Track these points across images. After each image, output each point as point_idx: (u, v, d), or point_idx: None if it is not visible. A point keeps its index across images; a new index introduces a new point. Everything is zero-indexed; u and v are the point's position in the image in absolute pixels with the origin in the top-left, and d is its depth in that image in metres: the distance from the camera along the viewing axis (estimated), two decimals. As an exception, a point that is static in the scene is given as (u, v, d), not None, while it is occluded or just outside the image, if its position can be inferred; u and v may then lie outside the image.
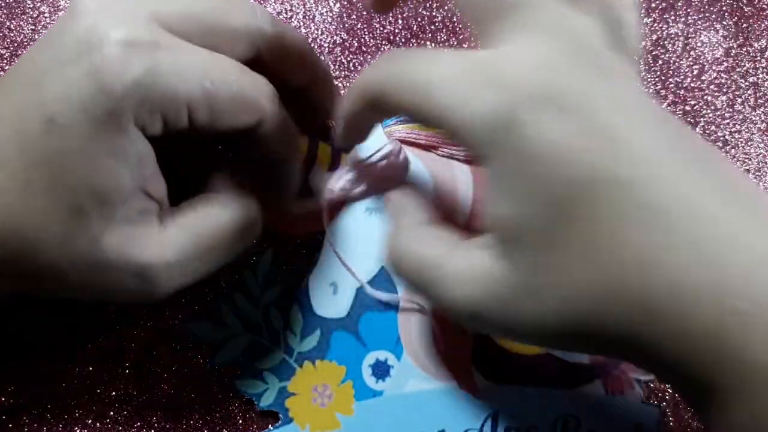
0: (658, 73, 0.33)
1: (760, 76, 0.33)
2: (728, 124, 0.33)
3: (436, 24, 0.33)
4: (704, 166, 0.19)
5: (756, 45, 0.34)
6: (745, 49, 0.34)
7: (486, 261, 0.20)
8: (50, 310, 0.28)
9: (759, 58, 0.34)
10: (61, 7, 0.32)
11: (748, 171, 0.32)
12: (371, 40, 0.32)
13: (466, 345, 0.28)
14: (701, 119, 0.33)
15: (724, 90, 0.33)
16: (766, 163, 0.32)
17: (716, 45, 0.34)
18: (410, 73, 0.20)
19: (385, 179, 0.27)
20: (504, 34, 0.19)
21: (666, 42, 0.34)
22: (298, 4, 0.32)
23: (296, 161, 0.25)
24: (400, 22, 0.32)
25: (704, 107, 0.33)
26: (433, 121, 0.20)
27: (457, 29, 0.33)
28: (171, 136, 0.21)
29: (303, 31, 0.32)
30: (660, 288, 0.17)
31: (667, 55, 0.33)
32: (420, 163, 0.29)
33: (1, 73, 0.31)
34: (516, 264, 0.19)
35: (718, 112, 0.33)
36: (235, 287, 0.28)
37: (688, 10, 0.34)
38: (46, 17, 0.32)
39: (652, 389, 0.29)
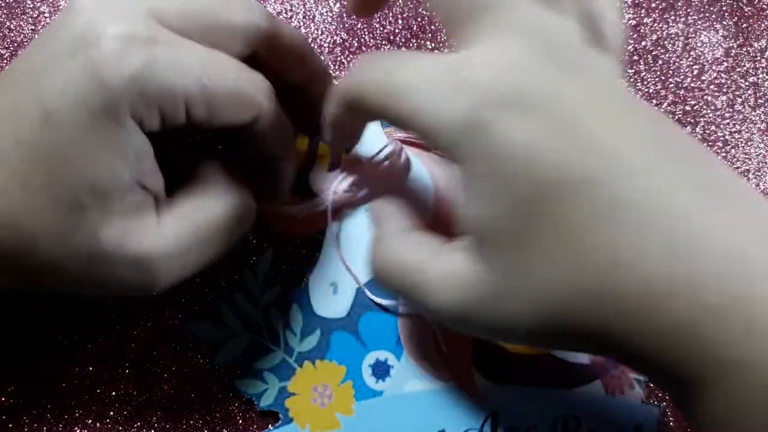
0: (658, 73, 0.33)
1: (760, 76, 0.33)
2: (728, 124, 0.33)
3: (436, 24, 0.33)
4: (680, 159, 0.19)
5: (756, 45, 0.34)
6: (745, 49, 0.34)
7: (464, 264, 0.20)
8: (50, 310, 0.28)
9: (759, 58, 0.34)
10: (60, 6, 0.32)
11: (748, 171, 0.32)
12: (371, 40, 0.32)
13: (466, 345, 0.28)
14: (701, 119, 0.33)
15: (724, 90, 0.33)
16: (766, 163, 0.32)
17: (716, 45, 0.34)
18: (385, 77, 0.20)
19: (386, 180, 0.27)
20: (476, 36, 0.20)
21: (666, 42, 0.34)
22: (298, 4, 0.32)
23: (291, 159, 0.25)
24: (400, 22, 0.32)
25: (704, 107, 0.33)
26: (408, 123, 0.20)
27: (457, 29, 0.33)
28: (169, 132, 0.21)
29: (303, 31, 0.32)
30: (633, 285, 0.18)
31: (667, 55, 0.33)
32: (420, 163, 0.29)
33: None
34: (491, 266, 0.19)
35: (718, 112, 0.33)
36: (235, 287, 0.28)
37: (688, 10, 0.34)
38: (46, 17, 0.32)
39: (652, 389, 0.29)
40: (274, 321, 0.28)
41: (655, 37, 0.34)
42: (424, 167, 0.29)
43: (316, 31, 0.32)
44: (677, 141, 0.20)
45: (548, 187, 0.18)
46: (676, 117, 0.33)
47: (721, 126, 0.33)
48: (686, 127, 0.33)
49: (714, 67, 0.33)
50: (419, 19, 0.33)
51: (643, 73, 0.33)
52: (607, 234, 0.18)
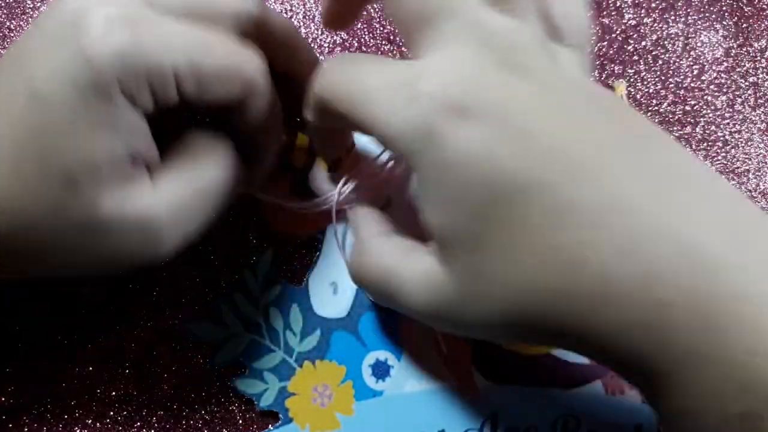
0: (658, 73, 0.33)
1: (760, 76, 0.33)
2: (728, 124, 0.33)
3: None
4: (637, 154, 0.19)
5: (756, 45, 0.34)
6: (745, 49, 0.34)
7: (433, 267, 0.21)
8: (50, 310, 0.28)
9: (759, 58, 0.34)
10: (61, 7, 0.32)
11: (748, 171, 0.32)
12: (371, 40, 0.32)
13: (466, 345, 0.28)
14: (701, 119, 0.33)
15: (724, 90, 0.33)
16: (766, 163, 0.32)
17: (716, 45, 0.34)
18: (346, 84, 0.21)
19: (388, 184, 0.27)
20: (428, 44, 0.20)
21: (666, 42, 0.34)
22: (298, 4, 0.32)
23: (277, 139, 0.25)
24: (400, 22, 0.32)
25: (704, 107, 0.33)
26: (368, 131, 0.20)
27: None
28: (165, 113, 0.21)
29: (303, 31, 0.32)
30: (585, 284, 0.18)
31: (667, 55, 0.33)
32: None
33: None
34: (454, 269, 0.20)
35: (718, 112, 0.33)
36: (235, 287, 0.28)
37: (688, 10, 0.34)
38: (46, 17, 0.32)
39: (652, 389, 0.29)
40: (274, 321, 0.28)
41: (655, 37, 0.34)
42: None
43: (316, 31, 0.32)
44: (635, 134, 0.20)
45: (500, 192, 0.19)
46: (676, 117, 0.33)
47: (721, 126, 0.33)
48: (686, 127, 0.33)
49: (714, 67, 0.33)
50: (419, 19, 0.33)
51: (643, 73, 0.33)
52: (559, 235, 0.18)
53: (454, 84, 0.19)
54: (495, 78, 0.19)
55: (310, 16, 0.32)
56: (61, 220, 0.20)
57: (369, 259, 0.23)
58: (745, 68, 0.34)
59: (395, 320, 0.28)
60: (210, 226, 0.23)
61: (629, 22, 0.34)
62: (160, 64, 0.20)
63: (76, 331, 0.28)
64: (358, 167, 0.27)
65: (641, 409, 0.28)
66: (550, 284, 0.18)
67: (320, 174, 0.28)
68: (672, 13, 0.34)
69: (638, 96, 0.33)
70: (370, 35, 0.32)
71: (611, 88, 0.33)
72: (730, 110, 0.33)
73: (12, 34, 0.31)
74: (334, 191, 0.27)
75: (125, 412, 0.27)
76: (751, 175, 0.32)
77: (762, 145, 0.33)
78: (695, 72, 0.33)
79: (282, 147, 0.28)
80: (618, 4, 0.34)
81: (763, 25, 0.34)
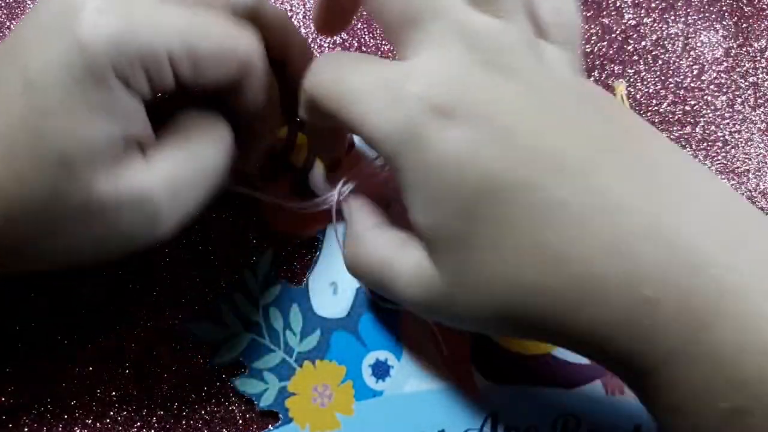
0: (658, 73, 0.33)
1: (760, 76, 0.33)
2: (728, 124, 0.33)
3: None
4: (623, 152, 0.19)
5: (756, 45, 0.34)
6: (745, 49, 0.34)
7: (423, 261, 0.21)
8: (50, 310, 0.28)
9: (759, 58, 0.34)
10: (61, 7, 0.32)
11: (748, 171, 0.32)
12: (371, 40, 0.32)
13: (466, 345, 0.28)
14: (701, 119, 0.33)
15: (724, 90, 0.33)
16: (766, 163, 0.32)
17: (716, 45, 0.34)
18: (334, 83, 0.21)
19: (389, 182, 0.27)
20: (414, 45, 0.20)
21: (666, 42, 0.34)
22: (298, 4, 0.32)
23: (274, 121, 0.25)
24: (400, 22, 0.32)
25: (704, 107, 0.33)
26: (355, 131, 0.21)
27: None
28: (164, 100, 0.21)
29: (303, 31, 0.32)
30: (569, 281, 0.18)
31: (667, 55, 0.33)
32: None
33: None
34: (442, 265, 0.20)
35: (718, 112, 0.33)
36: (235, 287, 0.28)
37: (688, 10, 0.34)
38: (46, 17, 0.32)
39: (652, 389, 0.29)
40: (274, 321, 0.28)
41: (655, 37, 0.34)
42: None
43: (316, 31, 0.32)
44: (625, 132, 0.20)
45: (485, 192, 0.19)
46: (676, 117, 0.33)
47: (721, 126, 0.33)
48: (686, 127, 0.33)
49: (714, 67, 0.33)
50: (419, 19, 0.33)
51: (643, 73, 0.33)
52: (543, 234, 0.18)
53: (440, 85, 0.19)
54: (480, 78, 0.19)
55: (311, 16, 0.32)
56: (58, 205, 0.20)
57: (364, 250, 0.23)
58: (745, 68, 0.34)
59: (395, 320, 0.28)
60: (206, 206, 0.23)
61: (629, 22, 0.34)
62: (154, 48, 0.20)
63: (76, 331, 0.28)
64: (357, 167, 0.27)
65: (641, 409, 0.28)
66: (533, 281, 0.19)
67: (320, 174, 0.28)
68: (672, 13, 0.34)
69: (638, 96, 0.33)
70: (370, 35, 0.32)
71: (611, 88, 0.33)
72: (730, 110, 0.33)
73: (12, 34, 0.31)
74: (333, 191, 0.27)
75: (125, 412, 0.27)
76: (751, 175, 0.32)
77: (762, 145, 0.33)
78: (695, 72, 0.33)
79: (282, 146, 0.28)
80: (618, 4, 0.34)
81: (763, 25, 0.34)
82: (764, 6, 0.34)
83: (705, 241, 0.18)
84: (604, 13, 0.34)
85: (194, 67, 0.21)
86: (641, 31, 0.34)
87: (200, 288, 0.28)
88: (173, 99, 0.22)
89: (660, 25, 0.34)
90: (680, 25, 0.34)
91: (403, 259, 0.22)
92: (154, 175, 0.21)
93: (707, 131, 0.33)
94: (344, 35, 0.32)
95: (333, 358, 0.28)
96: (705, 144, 0.33)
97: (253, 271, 0.28)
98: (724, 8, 0.34)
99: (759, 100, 0.33)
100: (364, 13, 0.32)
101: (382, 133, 0.20)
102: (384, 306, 0.28)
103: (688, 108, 0.33)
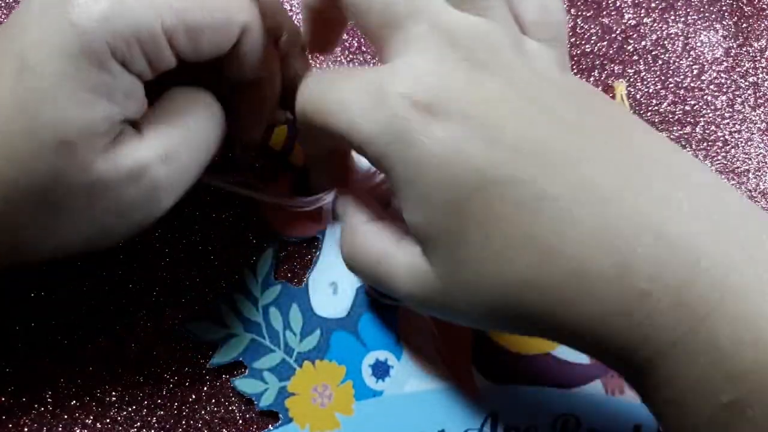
0: (658, 73, 0.33)
1: (760, 76, 0.33)
2: (728, 124, 0.33)
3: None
4: (614, 145, 0.19)
5: (756, 45, 0.34)
6: (745, 49, 0.34)
7: (416, 258, 0.21)
8: (50, 310, 0.28)
9: (759, 58, 0.34)
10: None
11: (748, 171, 0.32)
12: (371, 40, 0.32)
13: (466, 345, 0.28)
14: (701, 119, 0.33)
15: (724, 90, 0.33)
16: (766, 163, 0.32)
17: (716, 45, 0.34)
18: (320, 96, 0.21)
19: (376, 190, 0.27)
20: (395, 47, 0.20)
21: (666, 42, 0.34)
22: (298, 4, 0.32)
23: (275, 80, 0.25)
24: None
25: (704, 107, 0.33)
26: (344, 140, 0.21)
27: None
28: (165, 77, 0.21)
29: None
30: (563, 275, 0.18)
31: (667, 55, 0.33)
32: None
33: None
34: (436, 261, 0.20)
35: (718, 112, 0.33)
36: (235, 287, 0.28)
37: (688, 10, 0.34)
38: (46, 17, 0.32)
39: (652, 389, 0.29)
40: (274, 321, 0.28)
41: (655, 37, 0.34)
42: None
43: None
44: (611, 125, 0.20)
45: (473, 188, 0.19)
46: (676, 117, 0.33)
47: (721, 126, 0.33)
48: (686, 127, 0.33)
49: (714, 67, 0.33)
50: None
51: (643, 73, 0.33)
52: (532, 227, 0.18)
53: (423, 83, 0.19)
54: (464, 75, 0.19)
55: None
56: (57, 188, 0.20)
57: (361, 243, 0.23)
58: (745, 68, 0.34)
59: (395, 320, 0.28)
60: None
61: (629, 22, 0.34)
62: (148, 23, 0.20)
63: (76, 331, 0.28)
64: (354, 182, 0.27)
65: (641, 409, 0.28)
66: (526, 276, 0.19)
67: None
68: (672, 13, 0.34)
69: (638, 96, 0.33)
70: (370, 35, 0.32)
71: (611, 88, 0.33)
72: (730, 110, 0.33)
73: (12, 34, 0.31)
74: (332, 190, 0.27)
75: (125, 412, 0.27)
76: (751, 175, 0.32)
77: (762, 145, 0.33)
78: (695, 72, 0.33)
79: (282, 146, 0.28)
80: (618, 4, 0.34)
81: (763, 25, 0.34)
82: (764, 6, 0.34)
83: (695, 232, 0.18)
84: (604, 13, 0.34)
85: (192, 40, 0.21)
86: (641, 31, 0.34)
87: (200, 288, 0.28)
88: (167, 74, 0.22)
89: (660, 25, 0.34)
90: (680, 25, 0.34)
91: (399, 254, 0.22)
92: (150, 149, 0.21)
93: (707, 131, 0.33)
94: (344, 35, 0.32)
95: (333, 358, 0.28)
96: (705, 144, 0.33)
97: (253, 271, 0.28)
98: (724, 8, 0.34)
99: (759, 100, 0.33)
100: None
101: (368, 134, 0.20)
102: (383, 301, 0.28)
103: (688, 108, 0.33)
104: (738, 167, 0.32)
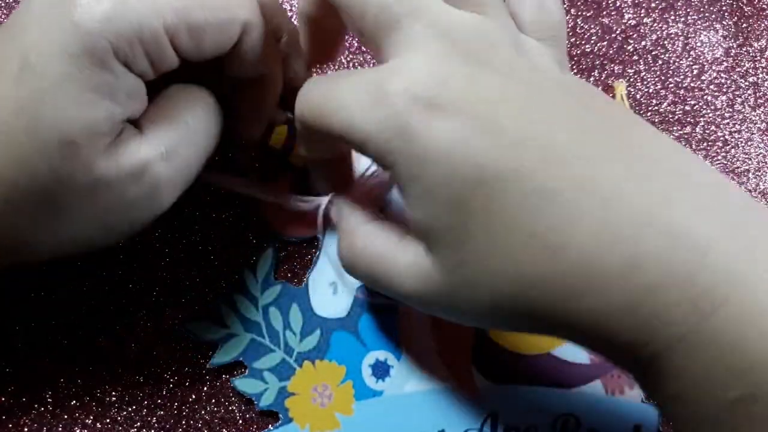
0: (658, 73, 0.33)
1: (760, 76, 0.33)
2: (728, 124, 0.33)
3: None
4: (614, 140, 0.19)
5: (756, 45, 0.34)
6: (745, 49, 0.34)
7: (419, 256, 0.21)
8: (50, 310, 0.28)
9: (759, 58, 0.34)
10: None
11: (748, 171, 0.32)
12: (371, 40, 0.32)
13: (466, 345, 0.28)
14: (701, 119, 0.33)
15: (724, 90, 0.33)
16: (766, 163, 0.32)
17: (716, 45, 0.34)
18: (319, 99, 0.21)
19: (371, 194, 0.28)
20: (394, 47, 0.20)
21: (666, 42, 0.34)
22: (297, 4, 0.32)
23: (278, 75, 0.25)
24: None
25: (704, 107, 0.33)
26: (346, 141, 0.21)
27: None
28: (168, 77, 0.21)
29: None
30: (565, 270, 0.18)
31: (667, 55, 0.33)
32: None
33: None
34: (439, 259, 0.20)
35: (718, 112, 0.33)
36: (235, 287, 0.28)
37: (688, 10, 0.34)
38: (46, 17, 0.32)
39: (652, 389, 0.29)
40: (274, 321, 0.28)
41: (655, 37, 0.34)
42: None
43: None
44: (611, 121, 0.20)
45: (475, 184, 0.19)
46: (676, 117, 0.33)
47: (721, 126, 0.33)
48: (686, 127, 0.33)
49: (714, 67, 0.33)
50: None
51: (643, 73, 0.33)
52: (536, 223, 0.18)
53: (423, 79, 0.19)
54: (464, 71, 0.19)
55: (310, 16, 0.32)
56: (59, 187, 0.20)
57: (360, 244, 0.23)
58: (745, 68, 0.34)
59: (394, 320, 0.28)
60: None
61: (629, 22, 0.34)
62: (150, 23, 0.20)
63: (76, 331, 0.28)
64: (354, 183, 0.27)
65: (641, 409, 0.28)
66: (531, 271, 0.19)
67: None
68: (672, 13, 0.34)
69: (638, 96, 0.33)
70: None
71: (611, 88, 0.33)
72: (730, 110, 0.33)
73: (12, 34, 0.31)
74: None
75: (125, 412, 0.27)
76: (751, 175, 0.32)
77: (762, 145, 0.33)
78: (695, 72, 0.33)
79: (282, 146, 0.28)
80: (618, 4, 0.34)
81: (763, 25, 0.34)
82: (764, 6, 0.34)
83: (699, 227, 0.18)
84: (604, 13, 0.34)
85: (194, 39, 0.21)
86: (641, 31, 0.34)
87: (200, 288, 0.28)
88: (168, 73, 0.22)
89: (660, 25, 0.34)
90: (680, 25, 0.34)
91: (399, 253, 0.22)
92: (151, 147, 0.22)
93: (707, 131, 0.33)
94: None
95: (333, 358, 0.28)
96: (705, 144, 0.33)
97: (253, 271, 0.28)
98: (724, 8, 0.34)
99: (759, 100, 0.33)
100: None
101: (370, 132, 0.20)
102: (377, 301, 0.28)
103: (688, 108, 0.33)
104: (738, 167, 0.32)
